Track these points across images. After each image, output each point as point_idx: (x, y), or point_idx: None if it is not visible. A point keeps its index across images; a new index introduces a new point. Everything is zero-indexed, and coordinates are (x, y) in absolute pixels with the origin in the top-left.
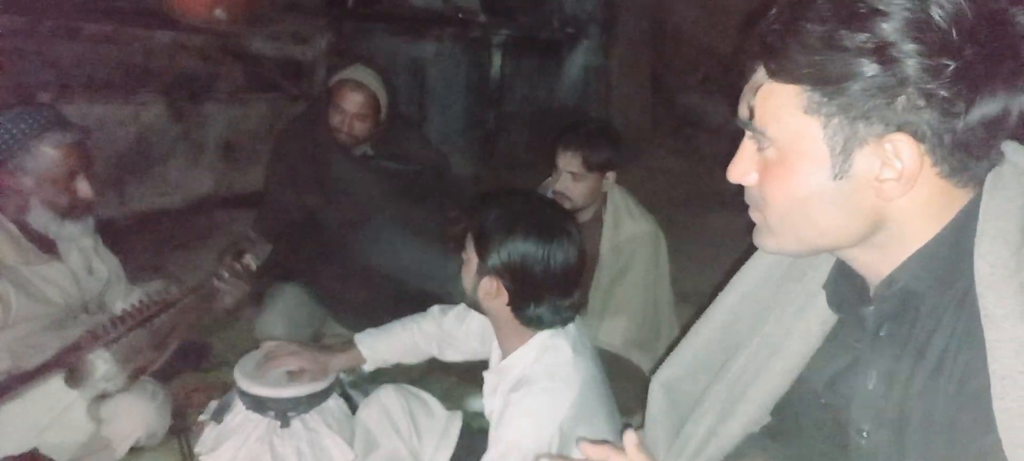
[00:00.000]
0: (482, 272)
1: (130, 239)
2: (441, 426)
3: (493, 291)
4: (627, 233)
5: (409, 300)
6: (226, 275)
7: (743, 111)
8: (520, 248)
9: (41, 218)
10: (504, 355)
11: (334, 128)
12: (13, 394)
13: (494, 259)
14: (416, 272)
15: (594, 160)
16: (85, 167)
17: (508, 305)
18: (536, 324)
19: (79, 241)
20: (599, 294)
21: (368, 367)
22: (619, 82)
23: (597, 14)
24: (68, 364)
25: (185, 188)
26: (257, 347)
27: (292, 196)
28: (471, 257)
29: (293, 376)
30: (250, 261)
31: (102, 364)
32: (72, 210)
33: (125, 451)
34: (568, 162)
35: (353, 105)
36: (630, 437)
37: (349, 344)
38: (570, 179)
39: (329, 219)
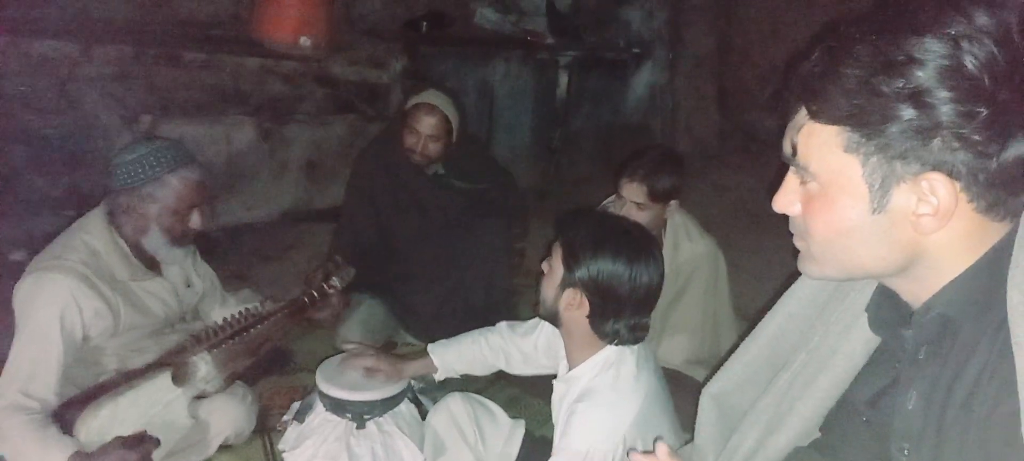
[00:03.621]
0: (566, 284)
1: (221, 250)
2: (505, 433)
3: (575, 303)
4: (686, 254)
5: (475, 313)
6: (315, 295)
7: (787, 147)
8: (609, 266)
9: (154, 242)
10: (572, 366)
11: (408, 149)
12: (121, 390)
13: (582, 273)
14: (482, 286)
15: (658, 190)
16: (202, 201)
17: (587, 317)
18: (611, 338)
19: (180, 261)
20: (658, 314)
21: (439, 376)
22: (685, 100)
23: (663, 33)
24: (173, 365)
25: (270, 203)
26: (335, 354)
27: (368, 213)
28: (556, 269)
29: (369, 375)
30: (337, 283)
31: (203, 367)
32: (182, 238)
33: (216, 447)
34: (633, 192)
35: (426, 127)
36: (661, 447)
37: (422, 353)
38: (634, 208)
39: (402, 235)
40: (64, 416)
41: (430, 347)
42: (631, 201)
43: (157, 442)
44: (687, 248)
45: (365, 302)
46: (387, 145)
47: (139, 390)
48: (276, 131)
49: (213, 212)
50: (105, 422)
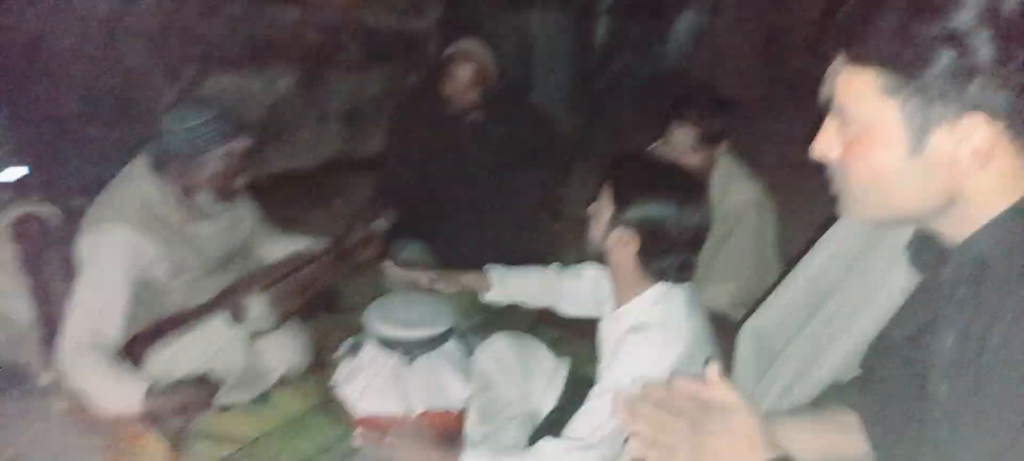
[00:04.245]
0: (616, 223)
1: (268, 197)
2: (549, 371)
3: (624, 241)
4: (734, 199)
5: (515, 258)
6: (361, 237)
7: (826, 92)
8: (658, 206)
9: (203, 199)
10: (619, 305)
11: (447, 97)
12: (182, 330)
13: (632, 212)
14: (522, 232)
15: (709, 133)
16: (246, 167)
17: (636, 255)
18: (659, 276)
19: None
20: (704, 257)
21: (491, 297)
22: (729, 44)
23: None
24: (229, 305)
25: (313, 152)
26: (382, 294)
27: (409, 161)
28: (605, 208)
29: (419, 302)
30: (380, 226)
31: (257, 306)
32: (229, 195)
33: (273, 382)
34: (683, 135)
35: (464, 75)
36: (713, 369)
37: (477, 272)
38: (684, 152)
39: (442, 182)
40: (131, 353)
41: (488, 266)
42: (681, 145)
43: (219, 384)
44: (735, 192)
45: (407, 246)
46: (426, 94)
47: (198, 333)
48: (316, 81)
49: (260, 162)
50: (167, 363)
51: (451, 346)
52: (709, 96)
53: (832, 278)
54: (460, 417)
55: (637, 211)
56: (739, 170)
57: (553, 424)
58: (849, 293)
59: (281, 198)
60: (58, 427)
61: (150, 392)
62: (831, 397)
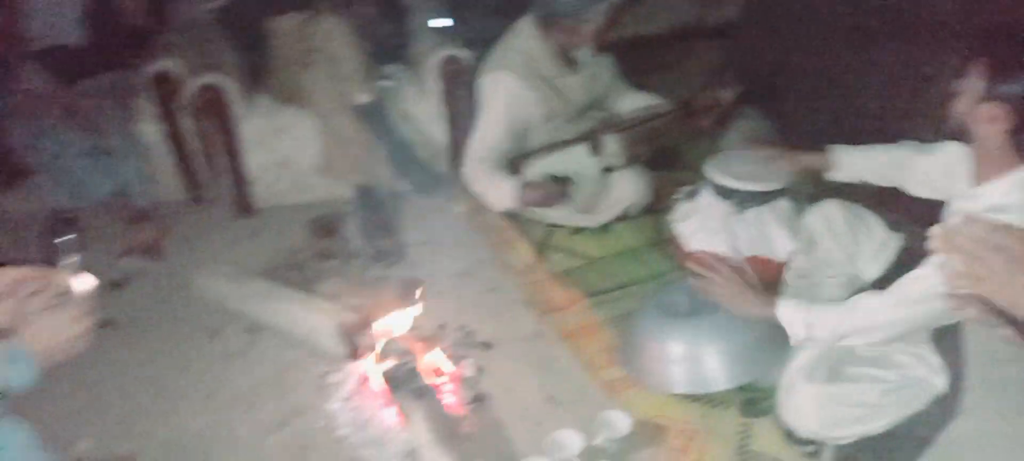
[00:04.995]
0: (987, 97)
1: (624, 58)
2: (880, 241)
3: (994, 117)
4: None
5: (865, 135)
6: (706, 102)
7: None
8: None
9: (581, 51)
10: (979, 184)
11: None
12: (550, 151)
13: (1007, 88)
14: (875, 107)
15: None
16: (619, 23)
17: (1007, 132)
18: None
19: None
20: None
21: (837, 175)
22: None
23: None
24: (590, 139)
25: (670, 19)
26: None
27: (763, 30)
28: (976, 81)
29: (760, 167)
30: (727, 93)
31: (612, 144)
32: (597, 50)
33: (616, 214)
34: None
35: None
36: None
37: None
38: None
39: (795, 54)
40: (514, 165)
41: (833, 146)
42: None
43: (574, 183)
44: None
45: (748, 115)
46: None
47: (562, 154)
48: None
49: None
50: (538, 174)
51: (782, 203)
52: None
53: None
54: (781, 267)
55: (1014, 86)
56: None
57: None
58: None
59: (635, 59)
60: (457, 222)
61: (522, 186)
62: None
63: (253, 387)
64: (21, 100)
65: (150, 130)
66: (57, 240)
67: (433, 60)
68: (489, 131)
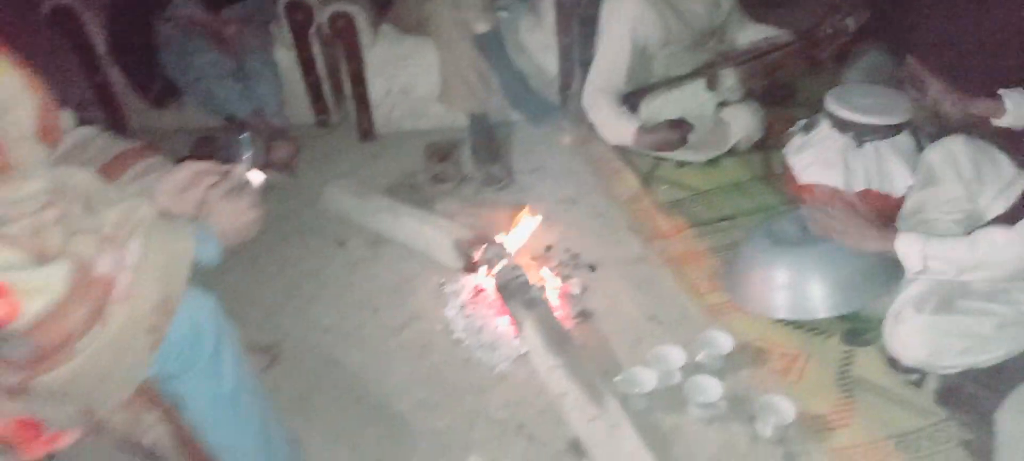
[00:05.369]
0: None
1: None
2: (1007, 179)
3: None
4: None
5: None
6: (829, 31)
7: None
8: None
9: None
10: None
11: None
12: (668, 87)
13: None
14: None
15: None
16: None
17: None
18: None
19: None
20: None
21: (1003, 120)
22: None
23: None
24: (707, 74)
25: None
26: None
27: None
28: None
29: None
30: (850, 23)
31: (729, 79)
32: None
33: (726, 148)
34: None
35: None
36: None
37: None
38: None
39: None
40: (628, 102)
41: (1004, 90)
42: None
43: (692, 127)
44: None
45: (871, 51)
46: None
47: (681, 90)
48: None
49: None
50: (657, 108)
51: (902, 138)
52: None
53: None
54: (899, 203)
55: None
56: None
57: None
58: None
59: None
60: (564, 152)
61: (640, 130)
62: None
63: (376, 293)
64: (175, 26)
65: (284, 56)
66: (232, 140)
67: None
68: (611, 55)
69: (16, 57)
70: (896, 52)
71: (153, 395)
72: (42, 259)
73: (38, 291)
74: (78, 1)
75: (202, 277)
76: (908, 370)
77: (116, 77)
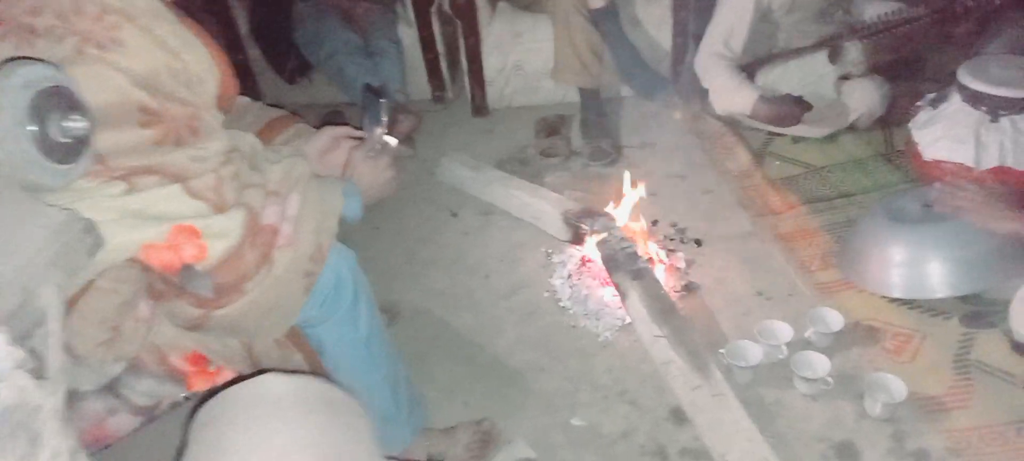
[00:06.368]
0: None
1: None
2: None
3: None
4: None
5: None
6: (969, 4)
7: None
8: None
9: None
10: None
11: None
12: (789, 58)
13: None
14: None
15: None
16: None
17: None
18: None
19: None
20: None
21: None
22: None
23: None
24: (829, 46)
25: None
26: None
27: None
28: None
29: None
30: None
31: (854, 51)
32: None
33: (846, 124)
34: None
35: None
36: None
37: None
38: None
39: None
40: (747, 70)
41: None
42: None
43: (809, 106)
44: None
45: (1013, 24)
46: None
47: (801, 61)
48: None
49: None
50: (774, 80)
51: None
52: None
53: None
54: None
55: None
56: None
57: None
58: None
59: None
60: (674, 127)
61: (760, 99)
62: None
63: (487, 260)
64: (310, 6)
65: (406, 34)
66: (369, 107)
67: None
68: (732, 16)
69: (205, 35)
70: None
71: (300, 339)
72: (222, 209)
73: (221, 235)
74: None
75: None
76: None
77: (255, 56)
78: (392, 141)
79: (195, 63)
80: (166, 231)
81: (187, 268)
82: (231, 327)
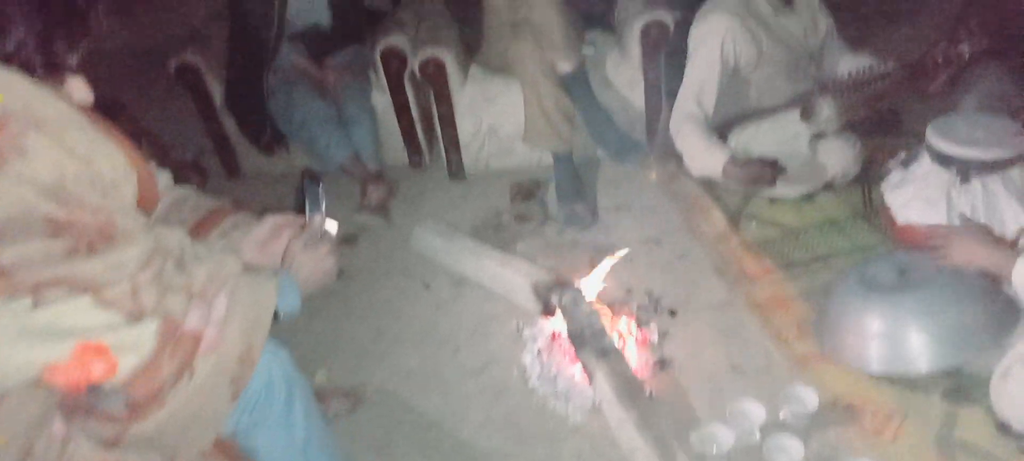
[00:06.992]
0: None
1: (843, 11)
2: None
3: None
4: None
5: None
6: (940, 61)
7: None
8: None
9: None
10: None
11: None
12: (760, 118)
13: None
14: None
15: None
16: None
17: None
18: None
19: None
20: None
21: None
22: None
23: None
24: (802, 104)
25: None
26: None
27: None
28: None
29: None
30: (964, 51)
31: (826, 109)
32: None
33: (822, 183)
34: None
35: None
36: None
37: None
38: None
39: None
40: (721, 130)
41: None
42: None
43: (784, 169)
44: None
45: (989, 76)
46: None
47: (773, 120)
48: None
49: None
50: (747, 139)
51: (1013, 173)
52: None
53: None
54: (1011, 245)
55: None
56: None
57: None
58: None
59: (860, 12)
60: (649, 189)
61: (731, 162)
62: None
63: (457, 334)
64: (282, 77)
65: (380, 100)
66: (308, 193)
67: (637, 25)
68: (700, 76)
69: (122, 133)
70: (1019, 79)
71: (231, 449)
72: (137, 317)
73: (133, 348)
74: (200, 58)
75: (294, 320)
76: (1021, 436)
77: (231, 127)
78: (333, 226)
79: (110, 169)
80: (70, 349)
81: (93, 388)
82: (150, 442)
